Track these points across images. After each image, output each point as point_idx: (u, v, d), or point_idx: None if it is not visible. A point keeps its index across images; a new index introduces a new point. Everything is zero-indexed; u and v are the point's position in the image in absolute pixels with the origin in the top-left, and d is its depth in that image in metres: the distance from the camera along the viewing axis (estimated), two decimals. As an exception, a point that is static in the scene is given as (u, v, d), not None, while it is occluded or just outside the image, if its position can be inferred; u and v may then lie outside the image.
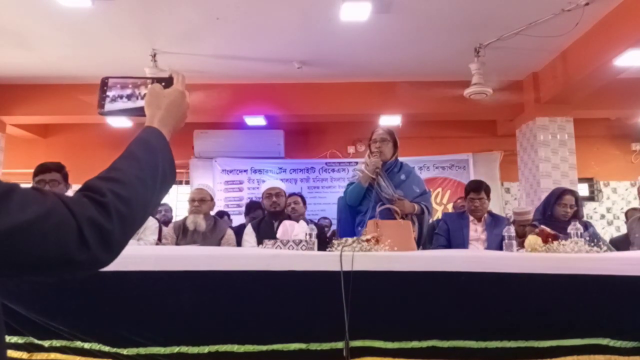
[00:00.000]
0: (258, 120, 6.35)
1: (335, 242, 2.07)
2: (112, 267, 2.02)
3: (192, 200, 3.28)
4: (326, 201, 6.47)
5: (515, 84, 5.97)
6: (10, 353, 1.81)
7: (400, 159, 3.09)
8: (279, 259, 1.91)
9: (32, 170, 2.85)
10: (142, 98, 0.93)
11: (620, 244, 3.49)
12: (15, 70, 5.56)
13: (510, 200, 7.11)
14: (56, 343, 1.82)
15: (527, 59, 5.33)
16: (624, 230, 6.68)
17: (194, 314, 1.86)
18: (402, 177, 2.98)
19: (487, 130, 7.05)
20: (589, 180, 7.12)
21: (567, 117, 5.71)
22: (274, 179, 6.17)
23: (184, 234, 3.21)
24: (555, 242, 2.17)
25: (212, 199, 3.36)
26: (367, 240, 2.07)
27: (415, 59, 5.34)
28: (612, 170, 7.14)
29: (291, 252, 2.11)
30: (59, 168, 2.86)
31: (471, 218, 3.31)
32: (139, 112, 0.94)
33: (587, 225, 3.17)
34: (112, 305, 1.85)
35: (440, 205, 6.54)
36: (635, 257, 2.17)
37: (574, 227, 2.33)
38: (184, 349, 1.81)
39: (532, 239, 2.21)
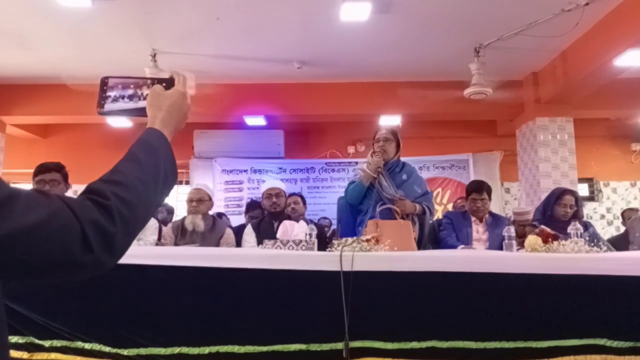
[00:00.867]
0: (258, 120, 6.35)
1: (335, 242, 2.07)
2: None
3: (190, 201, 3.28)
4: (326, 201, 6.46)
5: (515, 84, 5.97)
6: (11, 353, 1.81)
7: (401, 159, 3.09)
8: (279, 259, 1.91)
9: (32, 170, 2.85)
10: (144, 99, 0.93)
11: (619, 243, 3.49)
12: (15, 70, 5.56)
13: (510, 200, 7.11)
14: (57, 343, 1.82)
15: (527, 59, 5.33)
16: (623, 230, 6.69)
17: (194, 314, 1.86)
18: (404, 177, 2.98)
19: (487, 130, 7.05)
20: (589, 180, 7.12)
21: (567, 117, 5.71)
22: (274, 179, 6.17)
23: (182, 234, 3.21)
24: (555, 242, 2.17)
25: (210, 199, 3.36)
26: (367, 240, 2.07)
27: (415, 59, 5.34)
28: (612, 170, 7.14)
29: (291, 252, 2.11)
30: (58, 168, 2.86)
31: (473, 218, 3.31)
32: (140, 112, 0.94)
33: (587, 226, 3.17)
34: (113, 305, 1.85)
35: (440, 205, 6.54)
36: (635, 257, 2.17)
37: (574, 227, 2.33)
38: (185, 349, 1.81)
39: (532, 239, 2.21)
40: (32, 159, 3.48)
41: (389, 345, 1.84)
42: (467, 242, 3.18)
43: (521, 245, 2.48)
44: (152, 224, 3.05)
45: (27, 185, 3.50)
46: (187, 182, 6.88)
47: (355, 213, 3.00)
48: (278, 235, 3.07)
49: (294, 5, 4.17)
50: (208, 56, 5.20)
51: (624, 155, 7.20)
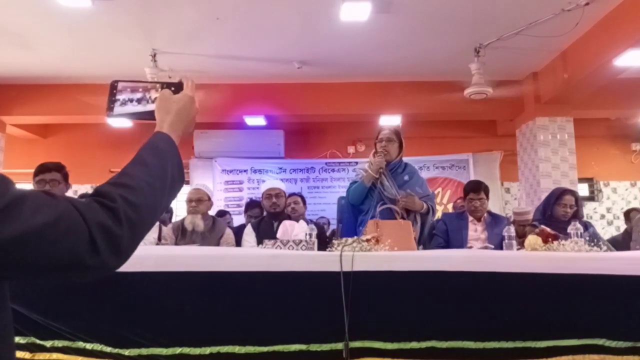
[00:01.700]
0: (258, 120, 6.35)
1: (335, 242, 2.08)
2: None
3: (189, 201, 3.28)
4: (326, 201, 6.47)
5: (515, 84, 5.97)
6: (13, 353, 1.81)
7: (402, 159, 3.09)
8: (279, 259, 1.92)
9: (32, 170, 2.85)
10: (152, 102, 0.94)
11: (619, 244, 3.49)
12: (15, 70, 5.56)
13: (510, 200, 7.11)
14: (58, 343, 1.83)
15: (527, 59, 5.33)
16: (623, 230, 6.69)
17: (195, 314, 1.86)
18: (406, 177, 2.98)
19: (487, 130, 7.05)
20: (589, 180, 7.13)
21: (567, 117, 5.71)
22: (274, 179, 6.17)
23: (182, 235, 3.21)
24: (555, 242, 2.17)
25: (209, 199, 3.36)
26: (367, 240, 2.07)
27: (415, 59, 5.34)
28: (612, 170, 7.14)
29: (291, 252, 2.11)
30: (59, 168, 2.86)
31: (471, 218, 3.31)
32: (148, 115, 0.95)
33: (587, 225, 3.17)
34: (114, 306, 1.85)
35: (440, 205, 6.54)
36: (635, 257, 2.17)
37: (574, 227, 2.33)
38: (186, 350, 1.81)
39: (532, 239, 2.21)
40: (32, 159, 3.49)
41: (389, 346, 1.84)
42: (462, 244, 3.18)
43: (521, 245, 2.48)
44: (152, 223, 3.05)
45: (27, 185, 3.50)
46: (187, 182, 6.87)
47: (356, 213, 3.01)
48: (278, 235, 3.07)
49: (293, 5, 4.17)
50: (208, 56, 5.21)
51: (624, 155, 7.20)
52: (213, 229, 3.27)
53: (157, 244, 3.10)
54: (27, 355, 1.82)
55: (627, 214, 5.17)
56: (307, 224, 3.11)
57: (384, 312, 1.88)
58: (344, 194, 3.23)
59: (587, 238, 2.34)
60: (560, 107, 5.63)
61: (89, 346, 1.81)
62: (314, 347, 1.83)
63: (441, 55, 5.20)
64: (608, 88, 5.26)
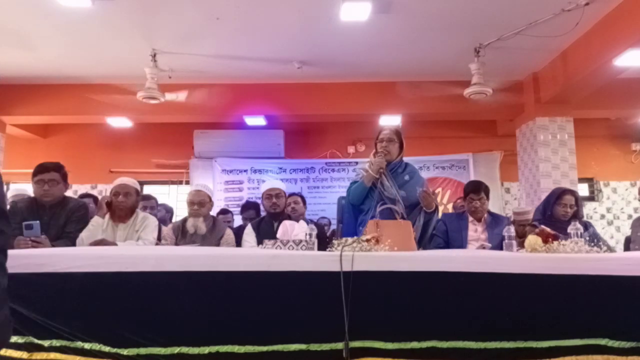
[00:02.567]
0: (258, 120, 6.35)
1: (335, 242, 2.07)
2: (112, 267, 2.02)
3: (191, 203, 3.27)
4: (326, 201, 6.47)
5: (515, 84, 5.98)
6: (11, 353, 1.81)
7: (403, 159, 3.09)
8: (279, 259, 1.92)
9: (31, 170, 2.85)
10: None
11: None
12: (15, 70, 5.56)
13: (510, 200, 7.11)
14: (56, 343, 1.82)
15: (527, 59, 5.33)
16: (624, 230, 6.70)
17: (194, 314, 1.86)
18: (406, 177, 2.98)
19: (487, 130, 7.05)
20: (589, 180, 7.13)
21: (567, 117, 5.71)
22: (274, 179, 6.17)
23: (182, 235, 3.21)
24: (555, 242, 2.17)
25: (210, 200, 3.36)
26: (367, 240, 2.07)
27: (415, 59, 5.34)
28: (612, 170, 7.14)
29: (291, 252, 2.11)
30: (57, 168, 2.86)
31: (471, 218, 3.31)
32: None
33: (587, 225, 3.17)
34: (113, 305, 1.85)
35: (440, 205, 6.53)
36: (635, 257, 2.17)
37: (574, 227, 2.33)
38: (184, 349, 1.81)
39: (532, 239, 2.21)
40: (32, 159, 3.48)
41: (389, 345, 1.84)
42: (462, 245, 3.17)
43: (521, 245, 2.47)
44: (153, 222, 3.05)
45: (27, 185, 3.50)
46: (187, 182, 6.89)
47: (356, 213, 3.01)
48: (278, 235, 3.06)
49: (293, 5, 4.17)
50: (208, 56, 5.21)
51: (624, 155, 7.20)
52: (213, 230, 3.27)
53: (157, 244, 3.10)
54: (24, 354, 1.82)
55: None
56: (307, 224, 3.10)
57: (384, 312, 1.88)
58: (344, 194, 3.23)
59: (587, 238, 2.34)
60: (560, 107, 5.63)
61: (87, 346, 1.81)
62: (314, 347, 1.82)
63: (441, 55, 5.20)
64: (608, 88, 5.25)
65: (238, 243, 3.35)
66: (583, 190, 6.89)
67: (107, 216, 2.93)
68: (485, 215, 3.31)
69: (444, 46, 4.99)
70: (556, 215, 3.22)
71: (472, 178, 6.29)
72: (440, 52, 5.14)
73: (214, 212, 3.75)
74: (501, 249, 2.47)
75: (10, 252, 1.08)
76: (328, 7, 4.17)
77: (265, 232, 3.28)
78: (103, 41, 4.85)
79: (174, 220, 4.78)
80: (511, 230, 2.40)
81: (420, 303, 1.89)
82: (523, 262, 1.97)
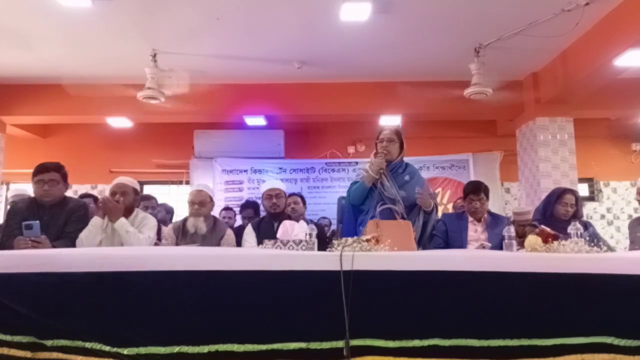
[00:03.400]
0: (258, 120, 6.35)
1: (335, 242, 2.07)
2: (112, 267, 2.02)
3: (192, 203, 3.27)
4: (326, 201, 6.47)
5: (515, 84, 5.98)
6: (14, 352, 1.82)
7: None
8: (279, 259, 1.91)
9: (32, 170, 2.85)
10: None
11: None
12: (15, 70, 5.56)
13: (510, 200, 7.11)
14: (58, 342, 1.83)
15: (527, 59, 5.33)
16: (624, 230, 6.70)
17: (194, 313, 1.86)
18: (407, 177, 2.98)
19: (487, 130, 7.06)
20: (589, 180, 7.13)
21: (567, 117, 5.71)
22: (274, 179, 6.17)
23: (183, 235, 3.21)
24: (555, 242, 2.17)
25: (211, 200, 3.36)
26: (367, 240, 2.07)
27: (416, 59, 5.34)
28: (612, 170, 7.15)
29: (291, 252, 2.11)
30: (58, 168, 2.86)
31: (471, 219, 3.31)
32: None
33: (587, 225, 3.17)
34: (113, 304, 1.85)
35: (440, 205, 6.53)
36: (635, 257, 2.17)
37: (574, 227, 2.33)
38: (184, 348, 1.81)
39: (532, 239, 2.21)
40: (32, 159, 3.48)
41: (390, 344, 1.83)
42: (462, 245, 3.17)
43: (521, 245, 2.47)
44: (152, 221, 3.05)
45: (27, 185, 3.50)
46: (187, 182, 6.89)
47: (356, 213, 3.01)
48: (278, 235, 3.06)
49: (293, 5, 4.17)
50: (208, 56, 5.21)
51: (624, 155, 7.20)
52: (214, 230, 3.27)
53: (157, 244, 3.10)
54: (28, 354, 1.82)
55: None
56: (307, 224, 3.10)
57: (385, 310, 1.87)
58: (344, 194, 3.23)
59: (587, 238, 2.34)
60: (560, 107, 5.63)
61: (88, 345, 1.81)
62: (314, 345, 1.82)
63: (441, 55, 5.20)
64: (608, 88, 5.25)
65: (238, 243, 3.35)
66: (583, 190, 6.90)
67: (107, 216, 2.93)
68: (485, 215, 3.31)
69: (444, 46, 4.99)
70: (557, 215, 3.22)
71: (472, 178, 6.29)
72: (440, 52, 5.14)
73: (215, 211, 3.75)
74: (501, 249, 2.47)
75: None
76: (328, 8, 4.17)
77: (265, 232, 3.28)
78: (103, 41, 4.85)
79: (174, 220, 4.78)
80: (511, 231, 2.40)
81: (422, 301, 1.88)
82: (523, 262, 1.97)
